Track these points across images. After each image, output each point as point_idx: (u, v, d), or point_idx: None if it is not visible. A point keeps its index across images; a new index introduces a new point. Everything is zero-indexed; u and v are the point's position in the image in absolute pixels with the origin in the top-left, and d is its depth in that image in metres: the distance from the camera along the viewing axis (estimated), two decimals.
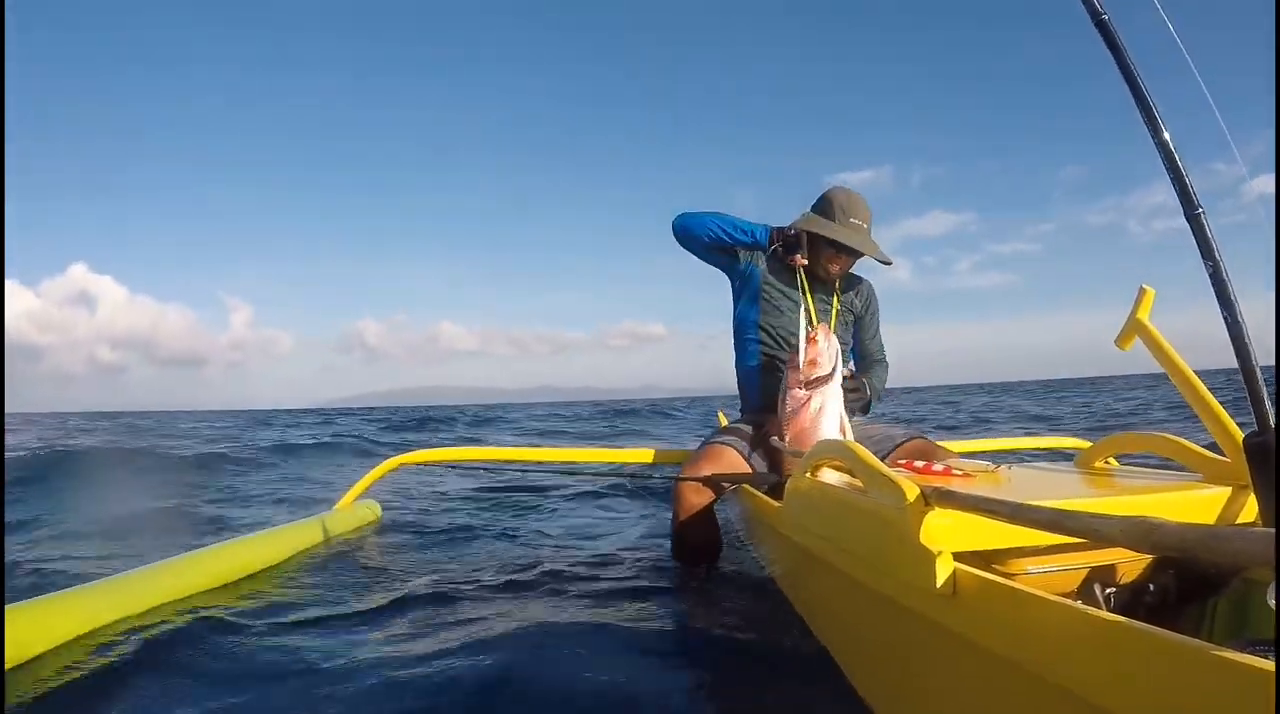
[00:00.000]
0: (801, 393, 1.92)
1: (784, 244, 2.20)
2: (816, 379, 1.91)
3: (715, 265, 2.38)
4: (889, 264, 2.26)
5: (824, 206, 2.22)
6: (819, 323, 2.12)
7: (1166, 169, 1.24)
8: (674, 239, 2.36)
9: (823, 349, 1.94)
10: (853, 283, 2.36)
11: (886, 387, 2.42)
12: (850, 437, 1.91)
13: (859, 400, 2.15)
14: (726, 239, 2.28)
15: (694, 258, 2.39)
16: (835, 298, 2.30)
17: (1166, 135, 1.23)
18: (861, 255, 2.22)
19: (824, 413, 1.90)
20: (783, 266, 2.26)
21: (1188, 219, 1.21)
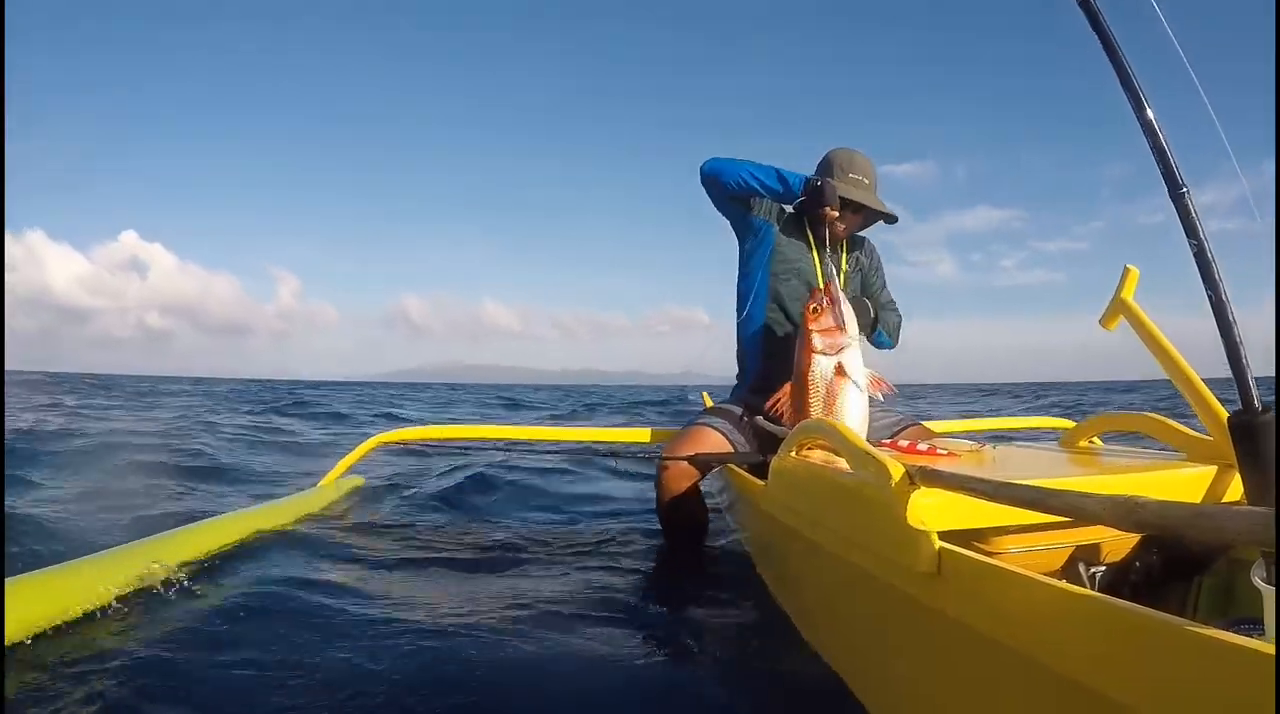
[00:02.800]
0: (826, 361, 1.79)
1: (808, 195, 2.08)
2: (840, 346, 1.80)
3: (729, 217, 2.30)
4: (894, 220, 2.25)
5: (824, 167, 2.19)
6: (825, 282, 1.96)
7: (1150, 148, 1.23)
8: (700, 183, 2.23)
9: (844, 312, 1.82)
10: (857, 242, 2.34)
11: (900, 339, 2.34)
12: (865, 410, 1.81)
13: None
14: (757, 187, 2.13)
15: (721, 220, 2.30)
16: (843, 257, 2.27)
17: (1150, 114, 1.22)
18: (865, 209, 2.18)
19: (848, 379, 1.78)
20: (796, 229, 2.22)
21: (1172, 198, 1.20)
